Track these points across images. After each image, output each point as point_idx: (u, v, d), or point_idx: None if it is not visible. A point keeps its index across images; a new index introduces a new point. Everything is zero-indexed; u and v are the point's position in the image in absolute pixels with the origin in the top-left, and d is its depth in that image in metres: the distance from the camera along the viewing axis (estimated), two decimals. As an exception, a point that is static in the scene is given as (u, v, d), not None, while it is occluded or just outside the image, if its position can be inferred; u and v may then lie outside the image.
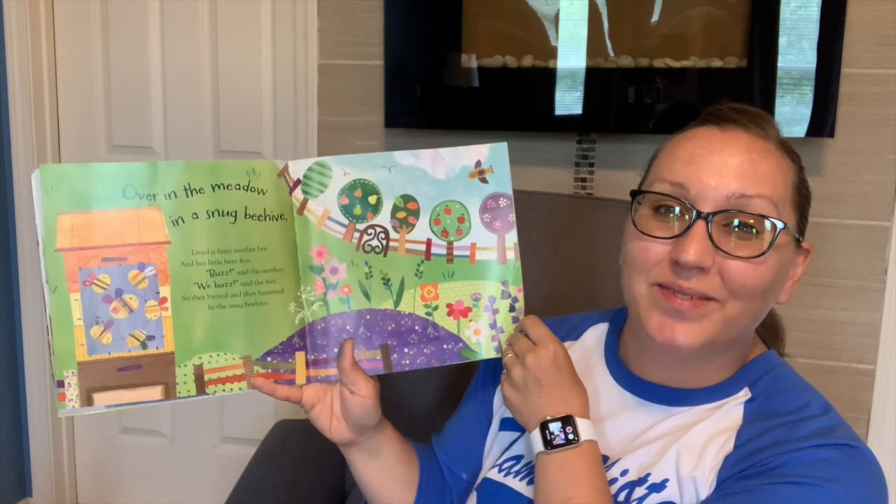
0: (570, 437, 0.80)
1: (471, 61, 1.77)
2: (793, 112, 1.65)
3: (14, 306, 2.12)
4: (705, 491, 0.77)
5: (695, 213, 0.77)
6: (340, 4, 1.83)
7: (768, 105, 1.66)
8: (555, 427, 0.81)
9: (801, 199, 0.83)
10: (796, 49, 1.64)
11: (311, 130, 1.89)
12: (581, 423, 0.81)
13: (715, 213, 0.77)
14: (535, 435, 0.83)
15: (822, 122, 1.64)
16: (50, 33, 2.05)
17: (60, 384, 0.79)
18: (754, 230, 0.77)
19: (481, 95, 1.78)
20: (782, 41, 1.65)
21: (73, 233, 0.79)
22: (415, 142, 1.82)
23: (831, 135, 1.65)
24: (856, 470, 0.74)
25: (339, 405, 0.90)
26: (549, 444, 0.81)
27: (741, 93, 1.66)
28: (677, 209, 0.79)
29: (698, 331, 0.78)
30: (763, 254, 0.76)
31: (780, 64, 1.65)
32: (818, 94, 1.63)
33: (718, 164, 0.78)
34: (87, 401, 0.79)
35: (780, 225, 0.77)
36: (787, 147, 0.83)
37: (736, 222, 0.77)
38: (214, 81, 2.01)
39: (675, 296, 0.78)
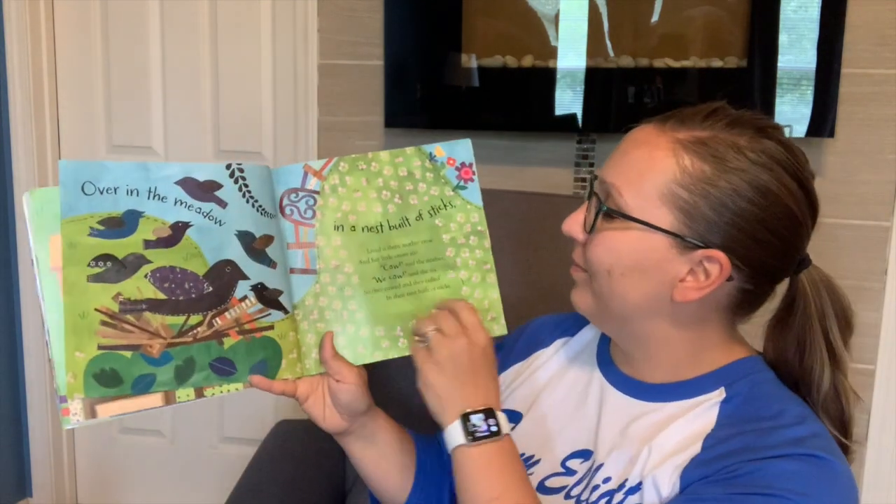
0: (494, 428, 0.78)
1: (471, 61, 1.77)
2: (793, 112, 1.65)
3: (14, 307, 2.12)
4: (666, 489, 0.77)
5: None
6: (340, 4, 1.83)
7: (768, 105, 1.66)
8: (477, 419, 0.78)
9: (695, 201, 0.77)
10: (796, 49, 1.64)
11: (311, 130, 1.89)
12: (501, 417, 0.80)
13: (590, 195, 0.84)
14: (455, 426, 0.79)
15: (822, 121, 1.64)
16: (50, 33, 2.05)
17: (63, 399, 0.78)
18: (598, 213, 0.81)
19: (481, 95, 1.78)
20: (782, 41, 1.65)
21: None
22: (415, 141, 1.82)
23: (831, 135, 1.65)
24: (825, 483, 0.73)
25: (329, 394, 0.92)
26: (471, 435, 0.78)
27: (741, 93, 1.67)
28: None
29: (581, 294, 0.86)
30: (591, 230, 0.81)
31: (780, 64, 1.65)
32: (818, 93, 1.63)
33: (613, 156, 0.85)
34: (91, 413, 0.79)
35: (603, 208, 0.80)
36: (690, 147, 0.78)
37: (593, 204, 0.83)
38: (214, 81, 2.01)
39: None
